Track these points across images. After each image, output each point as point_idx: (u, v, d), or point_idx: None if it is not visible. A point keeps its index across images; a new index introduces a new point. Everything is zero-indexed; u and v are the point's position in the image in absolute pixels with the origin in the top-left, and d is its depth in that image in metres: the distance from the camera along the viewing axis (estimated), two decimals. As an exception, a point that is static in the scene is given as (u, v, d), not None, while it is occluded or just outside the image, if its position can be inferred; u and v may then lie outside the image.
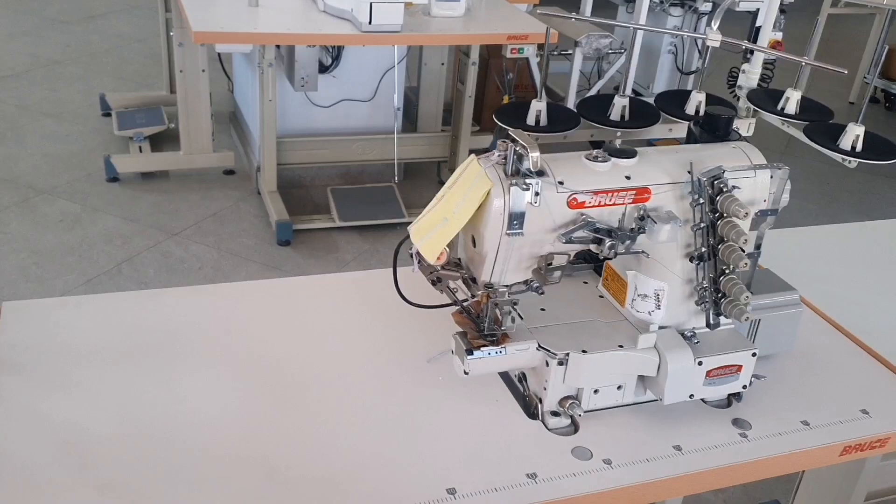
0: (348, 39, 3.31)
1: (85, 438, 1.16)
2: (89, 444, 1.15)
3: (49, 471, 1.10)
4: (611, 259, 1.23)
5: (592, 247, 1.19)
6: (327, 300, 1.54)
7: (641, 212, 1.18)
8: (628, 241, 1.19)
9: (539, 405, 1.28)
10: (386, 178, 4.10)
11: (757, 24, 4.63)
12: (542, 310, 1.34)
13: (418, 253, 1.16)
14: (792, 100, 1.52)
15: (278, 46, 3.64)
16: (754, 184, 1.24)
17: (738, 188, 1.19)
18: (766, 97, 1.56)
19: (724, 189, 1.17)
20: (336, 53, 3.87)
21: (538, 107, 1.51)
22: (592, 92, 5.35)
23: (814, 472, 1.87)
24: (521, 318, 1.31)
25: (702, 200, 1.18)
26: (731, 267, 1.20)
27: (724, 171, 1.17)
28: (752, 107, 1.56)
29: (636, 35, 4.61)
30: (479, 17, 3.68)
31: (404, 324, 1.44)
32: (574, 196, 1.15)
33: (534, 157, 1.08)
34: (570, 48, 4.41)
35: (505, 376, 1.36)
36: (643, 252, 1.24)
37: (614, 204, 1.17)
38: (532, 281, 1.19)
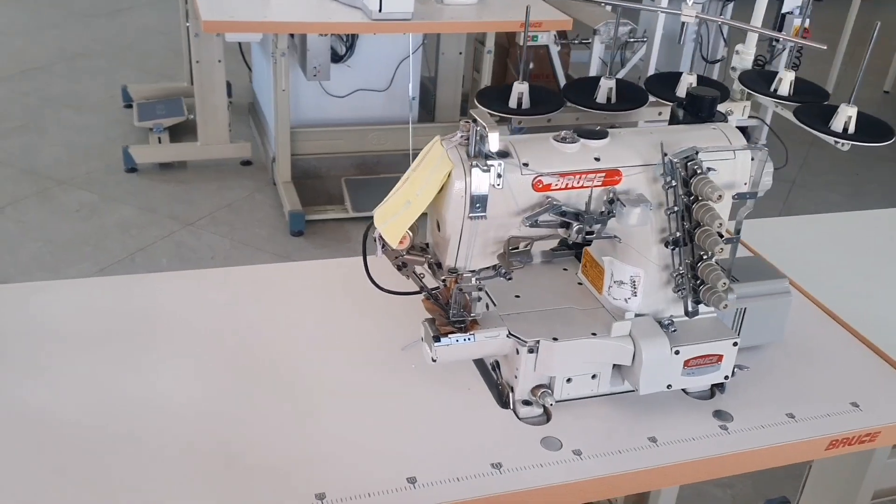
0: (358, 28, 3.29)
1: (47, 421, 1.15)
2: (50, 427, 1.14)
3: (6, 451, 1.10)
4: (581, 244, 1.20)
5: (561, 231, 1.15)
6: (308, 287, 1.52)
7: (611, 194, 1.14)
8: (598, 226, 1.15)
9: (511, 394, 1.25)
10: (402, 169, 4.00)
11: (783, 11, 4.52)
12: (517, 296, 1.31)
13: (381, 237, 1.14)
14: (785, 81, 1.47)
15: (292, 36, 3.63)
16: (734, 166, 1.19)
17: (714, 170, 1.15)
18: (760, 79, 1.50)
19: (699, 171, 1.13)
20: (350, 43, 3.85)
21: (520, 89, 1.47)
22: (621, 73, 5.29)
23: (820, 468, 1.81)
24: (495, 305, 1.28)
25: (674, 183, 1.13)
26: (709, 253, 1.16)
27: (697, 153, 1.13)
28: (745, 89, 1.50)
29: (658, 22, 4.56)
30: (492, 4, 3.64)
31: (382, 311, 1.41)
32: (539, 178, 1.11)
33: (492, 138, 1.05)
34: (589, 36, 4.35)
35: (480, 364, 1.33)
36: (615, 237, 1.20)
37: (582, 186, 1.13)
38: (500, 266, 1.16)
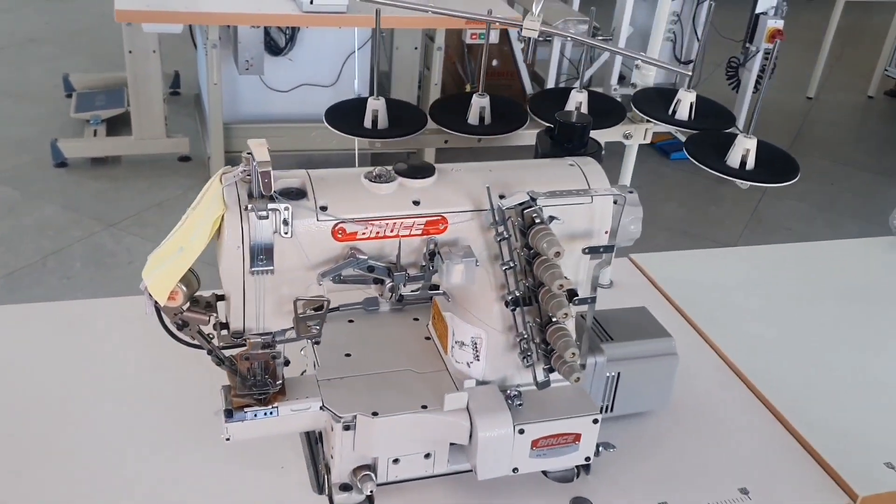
0: (289, 20, 3.08)
1: None
2: None
3: None
4: (398, 303, 1.00)
5: (374, 288, 0.95)
6: (119, 327, 1.32)
7: (432, 246, 0.94)
8: (420, 283, 0.95)
9: (326, 476, 1.05)
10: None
11: (757, 12, 4.31)
12: (348, 355, 1.10)
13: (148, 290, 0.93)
14: (684, 103, 1.26)
15: (229, 27, 3.42)
16: (590, 212, 0.99)
17: (558, 219, 0.94)
18: (659, 99, 1.30)
19: (537, 220, 0.92)
20: (290, 35, 3.64)
21: (375, 105, 1.27)
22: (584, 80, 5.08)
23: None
24: (317, 366, 1.08)
25: (506, 234, 0.93)
26: (553, 316, 0.96)
27: (534, 199, 0.92)
28: (637, 112, 1.30)
29: (623, 20, 4.35)
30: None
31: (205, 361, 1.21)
32: (341, 225, 0.91)
33: (264, 175, 0.85)
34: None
35: (308, 434, 1.13)
36: (444, 294, 1.00)
37: (397, 235, 0.93)
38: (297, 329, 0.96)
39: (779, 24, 4.24)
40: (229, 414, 0.99)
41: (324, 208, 0.91)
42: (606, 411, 1.17)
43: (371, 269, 0.92)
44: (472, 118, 1.28)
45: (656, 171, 4.44)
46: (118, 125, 4.17)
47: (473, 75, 4.14)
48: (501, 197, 0.95)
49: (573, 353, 0.96)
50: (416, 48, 4.10)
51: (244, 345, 0.98)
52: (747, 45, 4.45)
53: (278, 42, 3.64)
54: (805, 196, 4.30)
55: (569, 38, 1.22)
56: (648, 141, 1.35)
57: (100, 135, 4.08)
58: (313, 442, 1.11)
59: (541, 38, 4.67)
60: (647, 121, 1.31)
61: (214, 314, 0.96)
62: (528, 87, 4.65)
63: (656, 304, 1.50)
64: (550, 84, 4.24)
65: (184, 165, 3.99)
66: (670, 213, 4.08)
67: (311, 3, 2.94)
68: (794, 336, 1.46)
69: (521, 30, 1.09)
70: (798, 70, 5.88)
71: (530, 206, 0.92)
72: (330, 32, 3.69)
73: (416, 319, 1.19)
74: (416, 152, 3.54)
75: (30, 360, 1.25)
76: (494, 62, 4.60)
